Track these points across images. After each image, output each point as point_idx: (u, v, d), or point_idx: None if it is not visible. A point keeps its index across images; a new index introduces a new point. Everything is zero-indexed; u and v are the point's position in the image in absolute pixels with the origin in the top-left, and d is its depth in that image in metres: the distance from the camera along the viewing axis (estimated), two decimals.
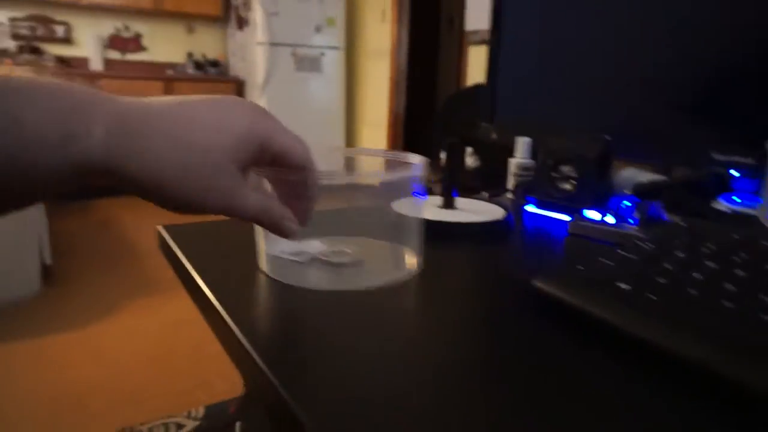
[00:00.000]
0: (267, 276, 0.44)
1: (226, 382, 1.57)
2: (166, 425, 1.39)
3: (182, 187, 0.29)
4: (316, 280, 0.45)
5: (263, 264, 0.45)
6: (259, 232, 0.45)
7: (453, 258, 0.51)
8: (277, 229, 0.35)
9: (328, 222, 0.48)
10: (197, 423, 1.40)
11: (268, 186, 0.39)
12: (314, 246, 0.47)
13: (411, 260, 0.47)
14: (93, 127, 0.27)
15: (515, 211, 0.68)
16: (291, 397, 0.27)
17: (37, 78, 0.27)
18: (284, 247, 0.45)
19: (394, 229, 0.48)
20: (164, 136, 0.29)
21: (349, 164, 0.53)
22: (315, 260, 0.46)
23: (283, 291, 0.42)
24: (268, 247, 0.45)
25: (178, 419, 1.42)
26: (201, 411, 1.45)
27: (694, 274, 0.36)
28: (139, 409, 1.45)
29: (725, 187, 0.59)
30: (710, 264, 0.37)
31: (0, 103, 0.25)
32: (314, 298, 0.40)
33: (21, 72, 0.26)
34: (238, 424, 0.87)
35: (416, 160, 0.46)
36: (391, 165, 0.48)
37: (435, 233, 0.53)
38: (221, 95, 0.33)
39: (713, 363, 0.28)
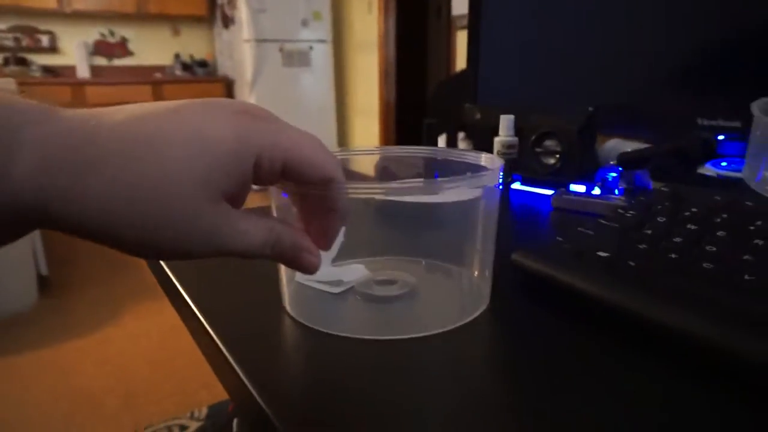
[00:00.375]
0: (289, 316, 0.33)
1: None
2: (169, 427, 1.39)
3: (145, 236, 0.22)
4: (351, 323, 0.34)
5: (285, 299, 0.35)
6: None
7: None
8: (292, 264, 0.27)
9: (374, 238, 0.38)
10: (200, 423, 1.40)
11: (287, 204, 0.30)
12: (354, 272, 0.37)
13: (479, 291, 0.35)
14: (17, 160, 0.20)
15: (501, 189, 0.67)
16: None
17: None
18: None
19: (458, 248, 0.36)
20: (114, 169, 0.21)
21: (385, 171, 0.41)
22: (352, 292, 0.36)
23: (306, 336, 0.31)
24: (292, 272, 0.34)
25: (182, 421, 1.41)
26: (204, 411, 1.45)
27: (675, 239, 0.35)
28: (146, 412, 1.45)
29: (712, 152, 0.57)
30: (691, 227, 0.36)
31: None
32: (346, 347, 0.30)
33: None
34: (235, 421, 0.87)
35: (489, 161, 0.35)
36: (441, 166, 0.38)
37: (413, 216, 0.51)
38: (199, 99, 0.24)
39: (692, 328, 0.27)
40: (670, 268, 0.32)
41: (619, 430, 0.23)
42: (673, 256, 0.33)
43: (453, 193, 0.30)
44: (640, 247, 0.35)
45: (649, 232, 0.36)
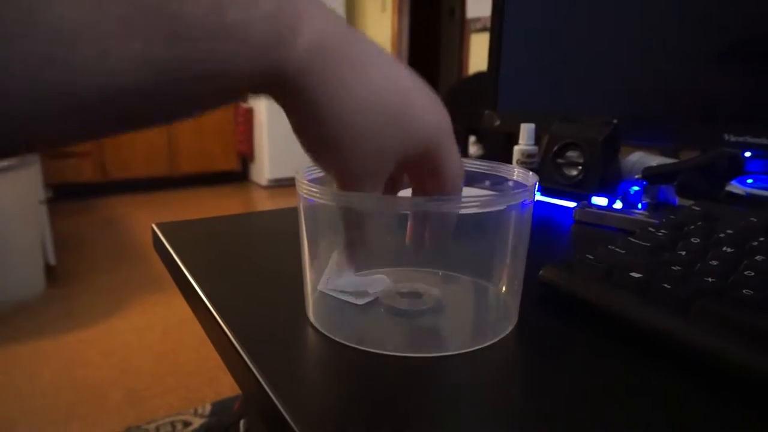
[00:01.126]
0: (312, 326, 0.33)
1: (232, 380, 1.57)
2: (173, 423, 1.39)
3: (352, 133, 0.25)
4: (376, 337, 0.32)
5: (309, 308, 0.34)
6: (307, 269, 0.34)
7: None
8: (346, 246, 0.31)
9: (391, 247, 0.37)
10: (204, 420, 1.40)
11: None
12: (379, 282, 0.35)
13: (506, 309, 0.34)
14: (300, 35, 0.23)
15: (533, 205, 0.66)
16: None
17: None
18: (339, 281, 0.34)
19: (486, 262, 0.35)
20: (358, 76, 0.24)
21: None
22: (377, 303, 0.34)
23: (328, 347, 0.31)
24: (316, 280, 0.34)
25: (185, 417, 1.41)
26: (208, 408, 1.45)
27: (711, 261, 0.34)
28: (149, 405, 1.45)
29: (738, 169, 0.56)
30: (727, 250, 0.35)
31: None
32: (369, 362, 0.29)
33: None
34: (242, 422, 0.86)
35: (523, 176, 0.34)
36: (468, 177, 0.36)
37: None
38: (421, 84, 0.28)
39: (734, 355, 0.26)
40: (707, 293, 0.31)
41: None
42: (710, 280, 0.32)
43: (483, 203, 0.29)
44: (674, 269, 0.34)
45: (683, 253, 0.35)
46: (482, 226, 0.32)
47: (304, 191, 0.28)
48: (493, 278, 0.36)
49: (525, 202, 0.31)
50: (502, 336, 0.32)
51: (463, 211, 0.29)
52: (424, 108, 0.26)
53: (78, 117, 0.19)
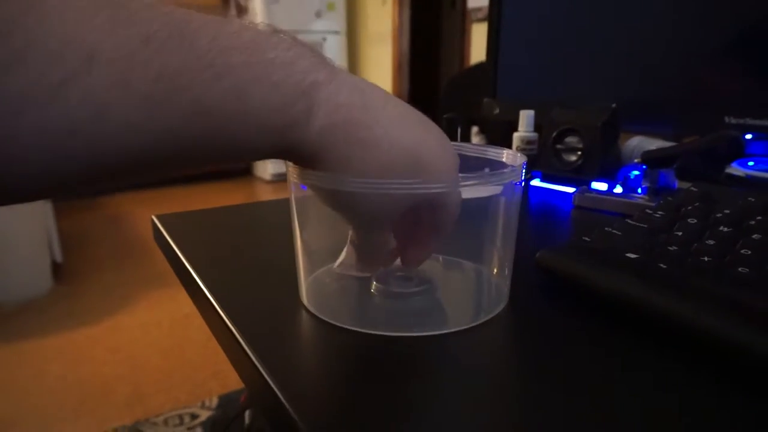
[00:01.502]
0: (307, 311, 0.33)
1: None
2: (180, 416, 1.40)
3: (366, 211, 0.27)
4: (369, 318, 0.33)
5: (303, 294, 0.35)
6: (300, 255, 0.34)
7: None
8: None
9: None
10: (211, 413, 1.41)
11: None
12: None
13: (498, 290, 0.35)
14: (314, 117, 0.24)
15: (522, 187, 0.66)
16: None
17: (255, 32, 0.23)
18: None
19: (478, 246, 0.36)
20: (370, 149, 0.25)
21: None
22: (370, 286, 0.35)
23: (324, 330, 0.31)
24: (310, 266, 0.35)
25: (193, 410, 1.42)
26: (214, 401, 1.46)
27: (708, 241, 0.34)
28: (156, 400, 1.46)
29: (739, 151, 0.56)
30: (724, 229, 0.34)
31: (226, 72, 0.21)
32: (364, 342, 0.29)
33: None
34: (247, 413, 0.87)
35: (512, 158, 0.35)
36: (461, 162, 0.36)
37: None
38: (436, 132, 0.29)
39: (729, 333, 0.26)
40: (704, 272, 0.31)
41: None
42: (707, 259, 0.32)
43: (474, 189, 0.30)
44: (671, 249, 0.34)
45: (680, 233, 0.35)
46: (472, 208, 0.32)
47: (295, 177, 0.28)
48: (484, 260, 0.36)
49: (513, 183, 0.31)
50: (493, 315, 0.32)
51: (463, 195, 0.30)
52: (432, 162, 0.27)
53: (101, 177, 0.22)
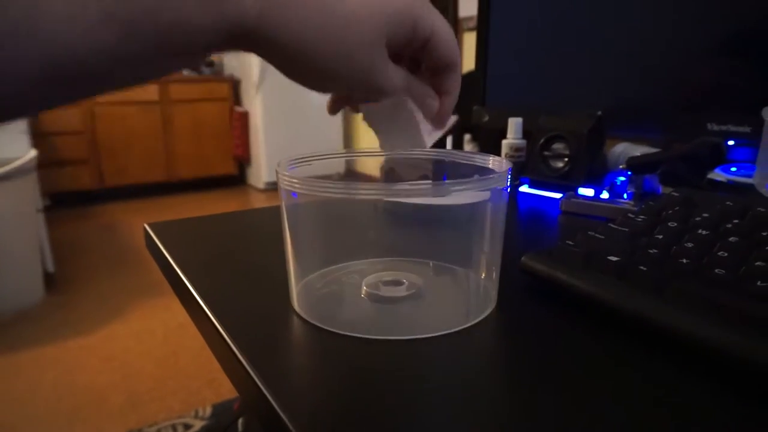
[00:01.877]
0: (298, 316, 0.34)
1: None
2: (174, 426, 1.39)
3: (325, 54, 0.28)
4: (359, 323, 0.33)
5: (294, 299, 0.35)
6: (291, 261, 0.35)
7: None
8: (419, 102, 0.35)
9: (382, 239, 0.39)
10: (204, 422, 1.40)
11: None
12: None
13: (486, 294, 0.35)
14: None
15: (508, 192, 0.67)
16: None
17: None
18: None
19: (466, 251, 0.36)
20: (313, 3, 0.27)
21: (392, 173, 0.42)
22: (359, 291, 0.36)
23: (314, 335, 0.32)
24: (301, 272, 0.35)
25: (186, 419, 1.42)
26: (208, 410, 1.45)
27: (687, 244, 0.35)
28: (150, 409, 1.45)
29: (721, 157, 0.57)
30: (703, 232, 0.35)
31: None
32: (354, 346, 0.30)
33: None
34: (240, 420, 0.87)
35: (497, 164, 0.36)
36: (449, 168, 0.38)
37: (421, 218, 0.51)
38: None
39: (705, 333, 0.27)
40: (682, 274, 0.32)
41: None
42: (685, 261, 0.33)
43: (461, 195, 0.31)
44: (651, 252, 0.35)
45: (660, 237, 0.36)
46: (460, 214, 0.33)
47: (285, 183, 0.29)
48: (472, 264, 0.37)
49: (500, 189, 0.32)
50: (481, 318, 0.33)
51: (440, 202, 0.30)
52: None
53: (56, 80, 0.22)
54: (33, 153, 2.06)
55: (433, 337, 0.31)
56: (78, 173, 3.75)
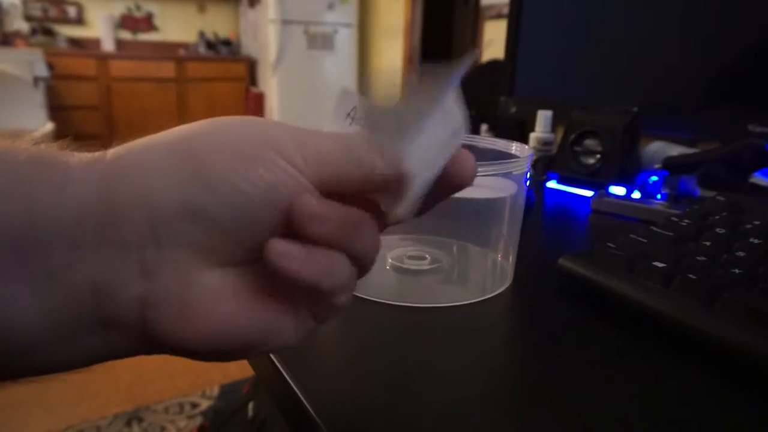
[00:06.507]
0: None
1: (240, 362, 1.58)
2: (181, 404, 1.40)
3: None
4: (382, 289, 0.34)
5: None
6: None
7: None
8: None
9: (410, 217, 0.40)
10: (212, 402, 1.41)
11: None
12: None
13: (503, 271, 0.37)
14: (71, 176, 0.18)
15: (535, 187, 0.65)
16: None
17: None
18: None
19: (485, 231, 0.37)
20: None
21: None
22: (384, 263, 0.37)
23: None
24: None
25: (193, 398, 1.42)
26: (216, 390, 1.46)
27: (738, 252, 0.33)
28: (157, 387, 1.46)
29: (763, 161, 0.55)
30: (755, 241, 0.34)
31: None
32: (375, 310, 0.32)
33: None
34: (251, 405, 0.86)
35: (519, 150, 0.36)
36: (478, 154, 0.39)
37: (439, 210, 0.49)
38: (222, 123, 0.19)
39: (760, 349, 0.25)
40: (734, 284, 0.30)
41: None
42: (737, 271, 0.31)
43: (484, 190, 0.33)
44: (699, 259, 0.33)
45: (708, 244, 0.34)
46: (482, 200, 0.35)
47: None
48: (491, 245, 0.38)
49: (517, 176, 0.34)
50: (498, 292, 0.35)
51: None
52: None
53: None
54: (50, 126, 2.06)
55: (452, 306, 0.33)
56: (91, 149, 3.77)
